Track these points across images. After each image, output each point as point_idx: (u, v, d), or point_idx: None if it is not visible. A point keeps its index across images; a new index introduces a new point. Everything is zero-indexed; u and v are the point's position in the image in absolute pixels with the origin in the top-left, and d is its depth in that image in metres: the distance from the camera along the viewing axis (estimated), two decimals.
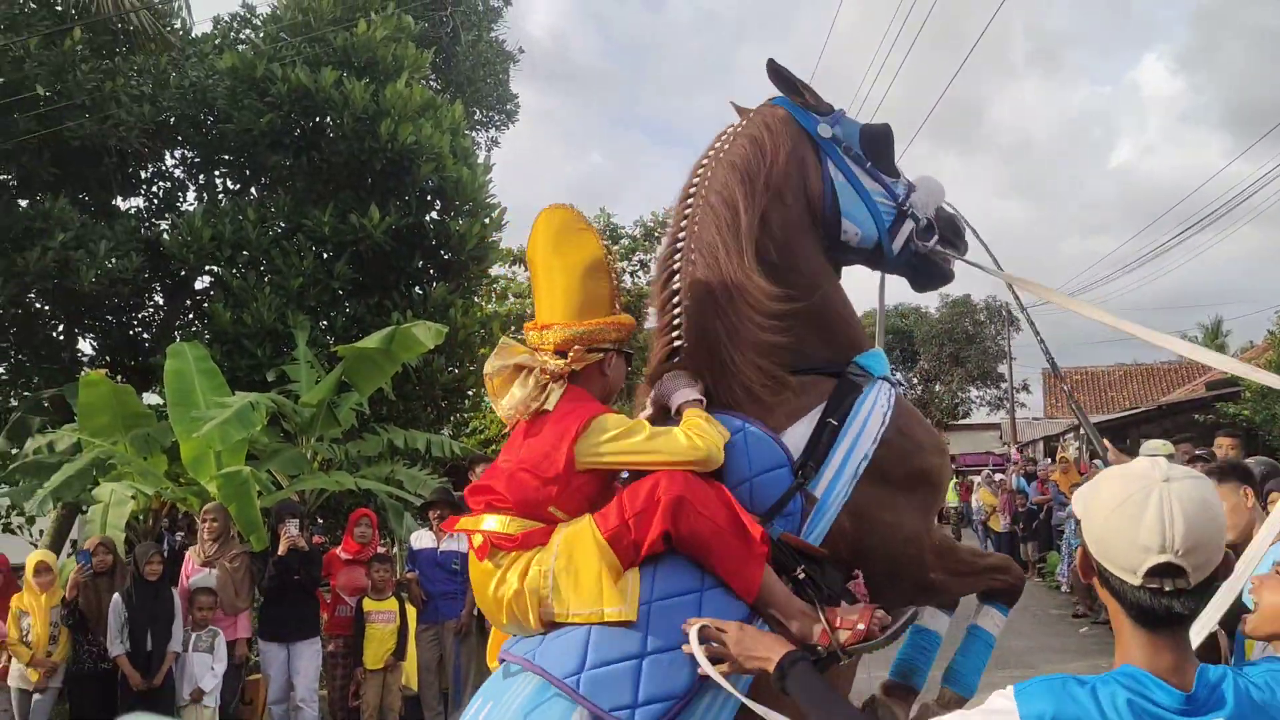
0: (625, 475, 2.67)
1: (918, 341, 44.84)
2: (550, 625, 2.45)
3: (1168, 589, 1.57)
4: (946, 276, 3.27)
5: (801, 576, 2.49)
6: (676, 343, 2.83)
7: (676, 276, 2.89)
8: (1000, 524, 17.29)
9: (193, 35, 12.84)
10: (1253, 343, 26.68)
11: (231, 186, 12.79)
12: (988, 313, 44.50)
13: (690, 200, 2.95)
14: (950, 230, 3.22)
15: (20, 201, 10.79)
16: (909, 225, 3.08)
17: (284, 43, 11.95)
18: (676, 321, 2.84)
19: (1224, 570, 1.67)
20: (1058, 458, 18.43)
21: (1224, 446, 7.86)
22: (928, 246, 3.13)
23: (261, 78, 11.23)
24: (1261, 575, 2.49)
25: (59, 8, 10.96)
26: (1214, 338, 43.05)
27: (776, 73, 3.07)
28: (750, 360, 2.73)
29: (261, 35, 12.64)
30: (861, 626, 2.39)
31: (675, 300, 2.86)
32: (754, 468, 2.60)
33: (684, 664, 2.32)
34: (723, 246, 2.80)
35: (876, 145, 3.11)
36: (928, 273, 3.22)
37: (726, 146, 2.99)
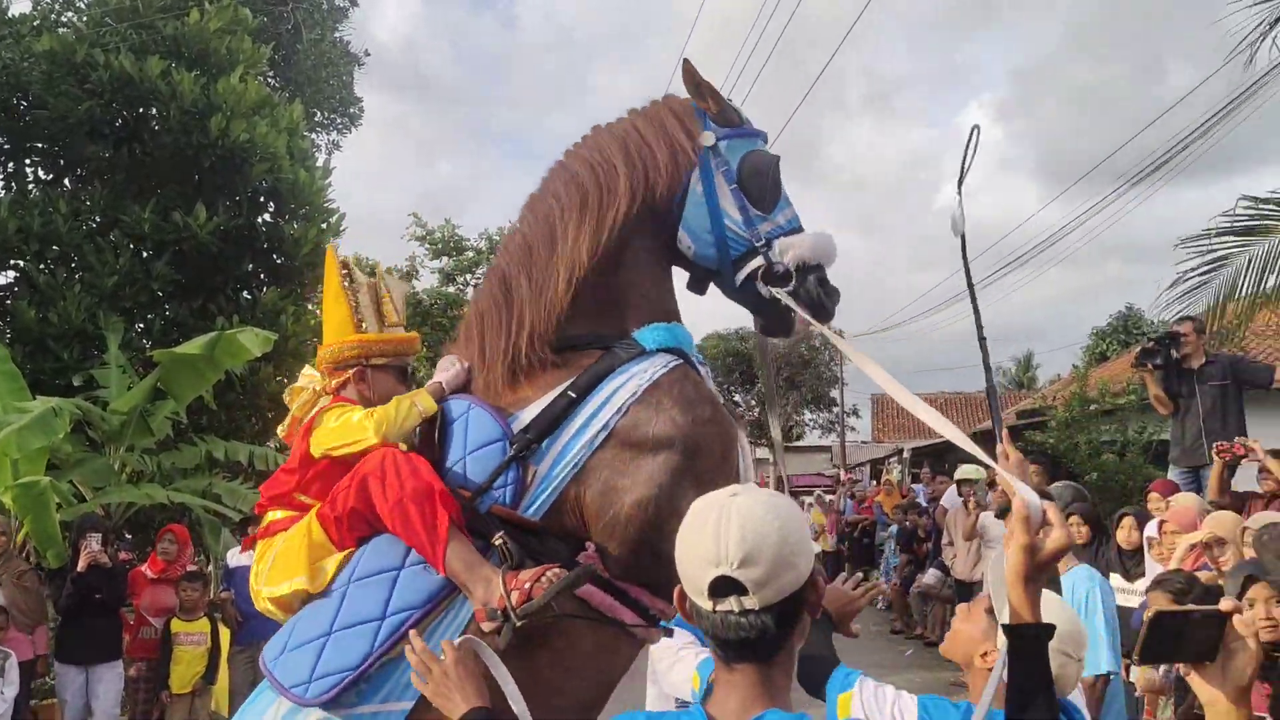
0: None
1: (756, 365, 46.05)
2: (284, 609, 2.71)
3: (734, 610, 1.53)
4: (786, 327, 3.09)
5: (498, 543, 2.51)
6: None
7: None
8: (829, 543, 17.89)
9: (8, 15, 11.98)
10: (1060, 375, 28.56)
11: (43, 176, 11.97)
12: (822, 339, 46.14)
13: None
14: (808, 299, 2.96)
15: None
16: (757, 263, 2.94)
17: (108, 28, 11.28)
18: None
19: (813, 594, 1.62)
20: (882, 480, 19.21)
21: (1031, 473, 8.34)
22: (771, 292, 2.95)
23: (82, 63, 10.57)
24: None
25: None
26: (1025, 370, 45.98)
27: (688, 74, 3.02)
28: (515, 342, 2.78)
29: (84, 19, 11.90)
30: (527, 585, 2.35)
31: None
32: (469, 445, 2.69)
33: (364, 637, 2.48)
34: (536, 239, 2.88)
35: (754, 172, 3.00)
36: (768, 316, 3.06)
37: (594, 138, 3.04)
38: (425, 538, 2.49)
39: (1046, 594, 2.00)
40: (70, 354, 10.14)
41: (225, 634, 7.48)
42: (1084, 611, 4.34)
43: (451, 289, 23.12)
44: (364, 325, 3.00)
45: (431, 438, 2.79)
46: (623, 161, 2.92)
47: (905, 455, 23.92)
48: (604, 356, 2.77)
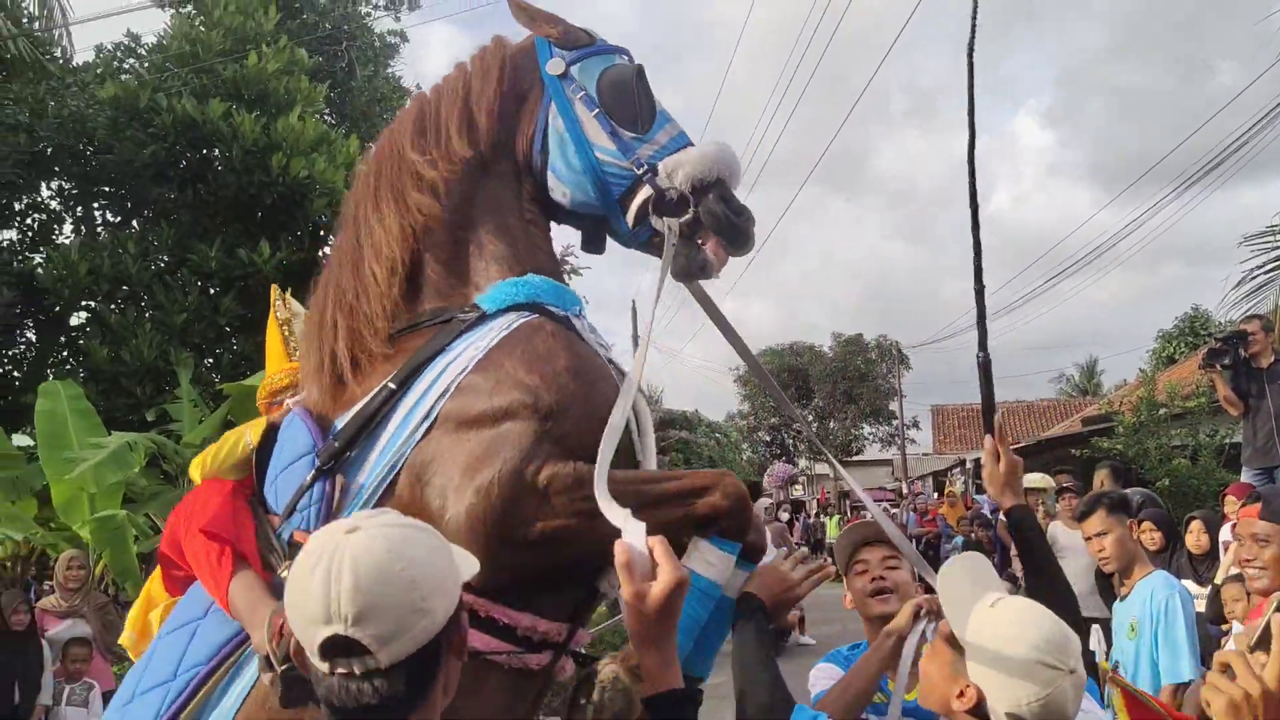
0: None
1: (813, 379, 45.78)
2: None
3: (354, 672, 1.28)
4: (701, 266, 2.48)
5: (284, 576, 2.11)
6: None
7: None
8: None
9: (74, 64, 12.43)
10: (1126, 380, 27.99)
11: (111, 219, 12.38)
12: (879, 351, 45.73)
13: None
14: (713, 219, 2.43)
15: None
16: (644, 194, 2.44)
17: (170, 73, 11.66)
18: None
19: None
20: (945, 492, 18.97)
21: (1103, 479, 8.19)
22: (665, 226, 2.43)
23: (145, 108, 10.93)
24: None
25: None
26: (1090, 376, 45.11)
27: (516, 5, 2.66)
28: (336, 340, 2.42)
29: (146, 65, 12.31)
30: (279, 623, 1.98)
31: None
32: (280, 464, 2.33)
33: (151, 705, 2.16)
34: (362, 215, 2.54)
35: (615, 88, 2.53)
36: (678, 256, 2.45)
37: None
38: (210, 576, 2.19)
39: (1015, 600, 1.84)
40: (143, 390, 10.46)
41: None
42: (1163, 619, 4.24)
43: None
44: (297, 354, 2.74)
45: (253, 461, 2.48)
46: (414, 128, 2.55)
47: (968, 466, 23.59)
48: (438, 333, 2.34)
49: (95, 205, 12.28)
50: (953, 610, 1.87)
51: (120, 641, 2.52)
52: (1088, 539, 4.53)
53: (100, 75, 12.14)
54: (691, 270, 2.48)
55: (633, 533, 1.58)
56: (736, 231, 2.45)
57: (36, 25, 11.78)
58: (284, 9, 12.67)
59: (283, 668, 1.92)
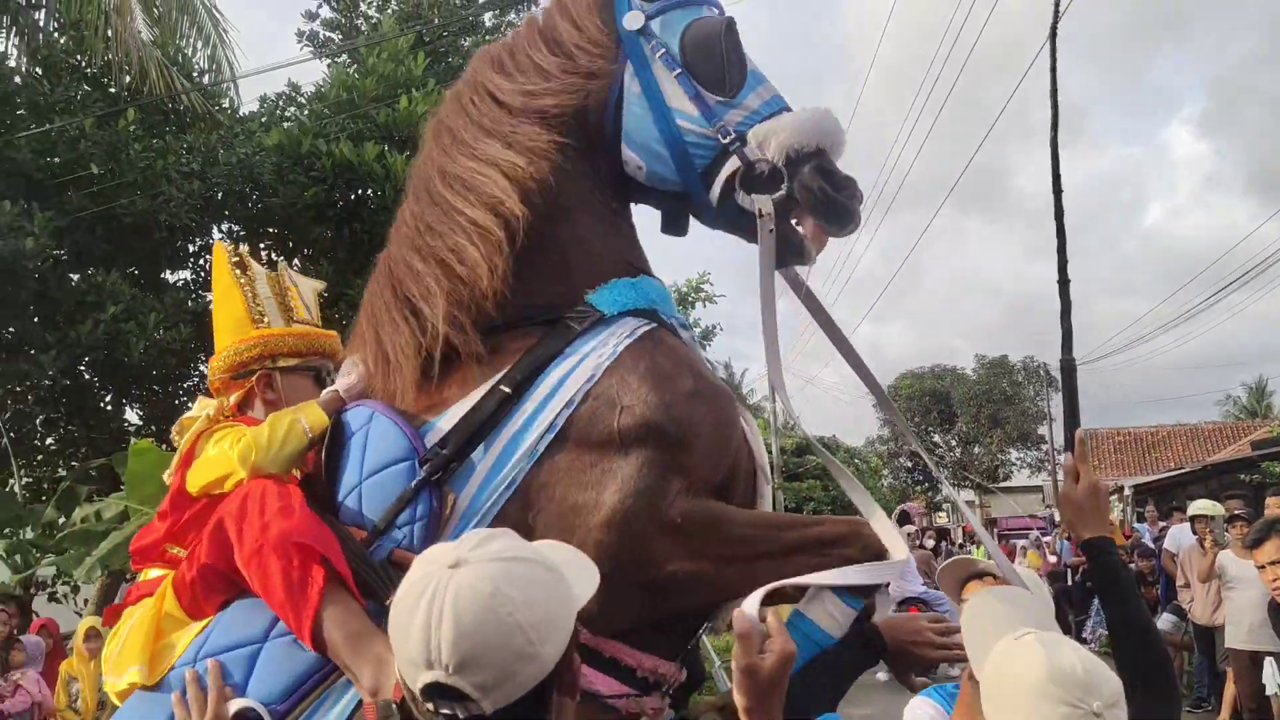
0: None
1: (955, 403, 44.59)
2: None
3: (460, 716, 1.21)
4: (797, 250, 2.21)
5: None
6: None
7: None
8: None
9: (240, 114, 13.29)
10: None
11: (275, 258, 13.08)
12: (1025, 373, 44.21)
13: None
14: (808, 194, 2.14)
15: (72, 275, 11.13)
16: (731, 166, 2.16)
17: (328, 119, 12.34)
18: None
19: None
20: None
21: (1273, 506, 7.75)
22: (755, 204, 2.15)
23: (307, 153, 11.59)
24: None
25: (113, 90, 11.44)
26: (1260, 397, 42.45)
27: None
28: (421, 327, 2.14)
29: (306, 113, 13.06)
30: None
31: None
32: (367, 469, 2.01)
33: None
34: (438, 179, 2.30)
35: (701, 46, 2.20)
36: (766, 238, 2.17)
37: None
38: (287, 599, 1.82)
39: (1043, 634, 1.66)
40: None
41: None
42: None
43: None
44: (265, 320, 2.44)
45: (322, 462, 2.14)
46: (498, 69, 2.31)
47: (1127, 493, 22.53)
48: (547, 335, 2.09)
49: (261, 245, 13.03)
50: (974, 645, 1.73)
51: (109, 680, 2.03)
52: (1260, 568, 4.34)
53: (265, 124, 12.94)
54: (785, 255, 2.19)
55: (751, 601, 1.56)
56: (838, 209, 2.12)
57: (206, 79, 12.66)
58: (431, 54, 13.26)
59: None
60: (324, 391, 2.24)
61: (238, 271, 2.50)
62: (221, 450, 2.09)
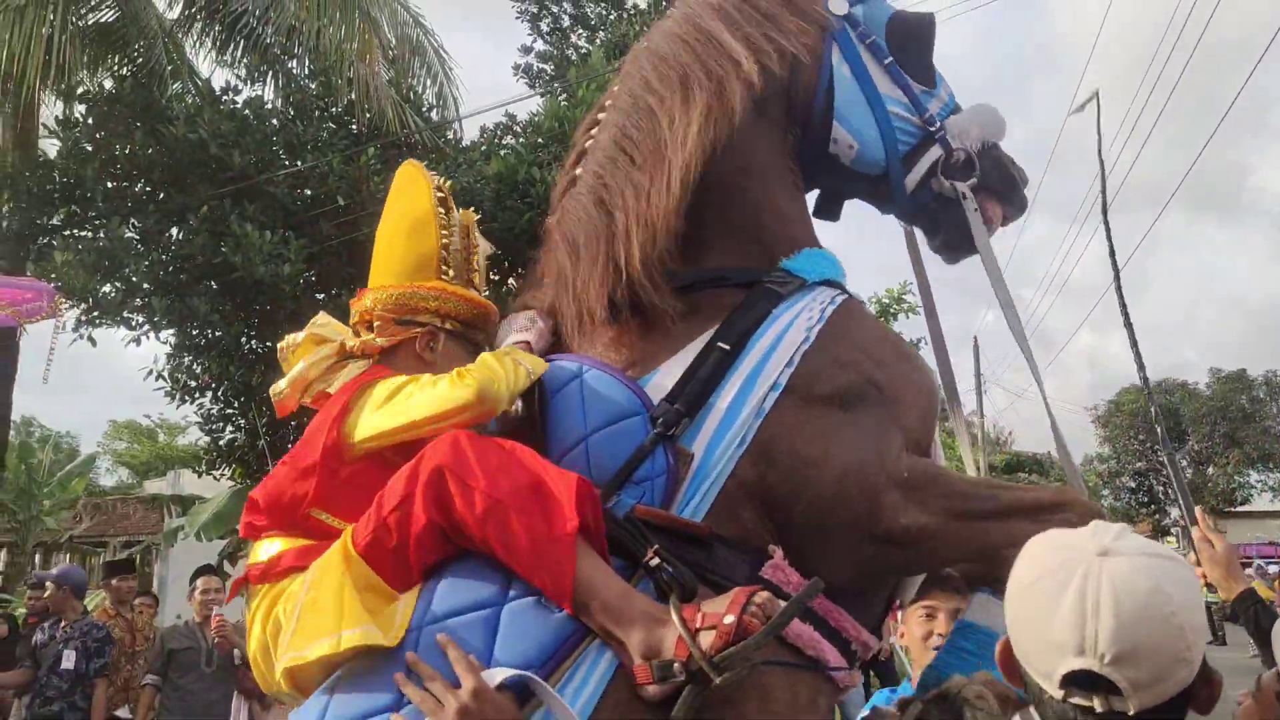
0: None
1: (1185, 420, 41.71)
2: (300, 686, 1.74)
3: (1095, 709, 1.17)
4: (967, 238, 2.37)
5: (654, 563, 1.73)
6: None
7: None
8: None
9: (463, 144, 14.37)
10: None
11: (494, 277, 14.09)
12: (1267, 388, 40.91)
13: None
14: (999, 179, 2.36)
15: (320, 296, 12.39)
16: (935, 153, 2.31)
17: (541, 148, 13.18)
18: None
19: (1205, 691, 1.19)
20: None
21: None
22: (959, 190, 2.30)
23: (523, 180, 12.44)
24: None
25: (354, 128, 12.67)
26: None
27: None
28: (625, 276, 2.05)
29: (521, 142, 13.98)
30: (730, 619, 1.59)
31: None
32: (590, 422, 1.89)
33: None
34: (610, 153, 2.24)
35: (908, 37, 2.35)
36: (954, 228, 2.34)
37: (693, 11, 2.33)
38: (536, 557, 1.65)
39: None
40: None
41: None
42: None
43: None
44: (449, 273, 2.23)
45: (535, 413, 1.97)
46: (729, 32, 2.20)
47: None
48: (753, 294, 2.08)
49: None
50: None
51: (289, 657, 1.68)
52: None
53: (484, 153, 13.95)
54: (961, 245, 2.39)
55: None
56: (1021, 195, 2.36)
57: (434, 113, 13.77)
58: None
59: (723, 677, 1.56)
60: (506, 343, 2.08)
61: (441, 210, 2.25)
62: (422, 393, 1.84)
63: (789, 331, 2.00)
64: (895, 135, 2.27)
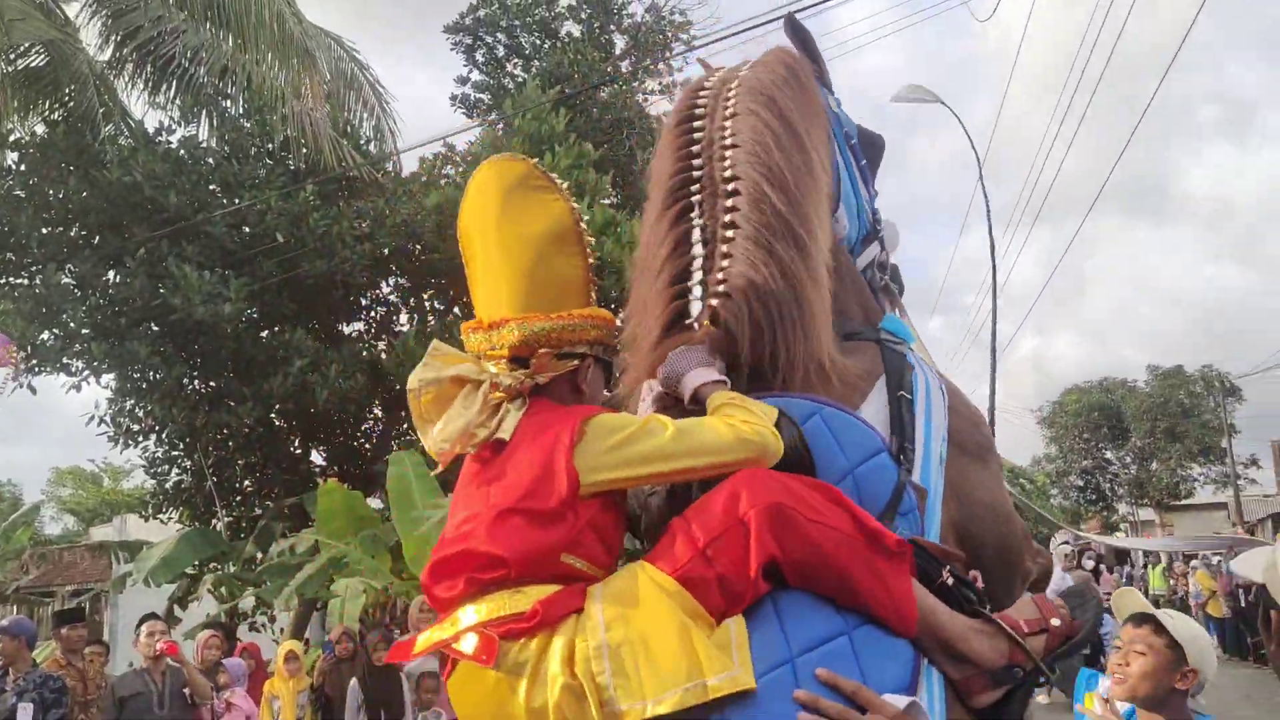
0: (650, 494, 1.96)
1: (1127, 417, 42.57)
2: None
3: None
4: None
5: (950, 583, 1.81)
6: (694, 300, 2.03)
7: (696, 214, 2.14)
8: (1221, 609, 16.29)
9: (402, 175, 14.42)
10: None
11: (439, 308, 14.14)
12: (1204, 383, 41.90)
13: (703, 111, 2.31)
14: (899, 284, 2.74)
15: (263, 334, 12.36)
16: (874, 250, 2.61)
17: None
18: (694, 269, 2.07)
19: None
20: (1278, 537, 17.23)
21: None
22: (882, 281, 2.64)
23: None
24: None
25: (292, 166, 12.67)
26: None
27: (795, 31, 2.54)
28: (824, 319, 2.05)
29: (461, 171, 14.07)
30: (1057, 622, 1.79)
31: (695, 240, 2.10)
32: (850, 457, 1.89)
33: None
34: (786, 171, 2.12)
35: (871, 149, 2.69)
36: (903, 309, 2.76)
37: (750, 73, 2.36)
38: (884, 590, 1.70)
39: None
40: None
41: None
42: None
43: None
44: (592, 297, 2.03)
45: (804, 451, 1.91)
46: (808, 102, 2.35)
47: None
48: (885, 350, 2.19)
49: (425, 297, 14.10)
50: None
51: (711, 683, 1.56)
52: None
53: (425, 184, 14.01)
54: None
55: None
56: (895, 305, 2.69)
57: (372, 146, 13.81)
58: (572, 109, 14.06)
59: (1054, 676, 1.80)
60: (711, 380, 1.91)
61: (584, 226, 2.04)
62: (724, 432, 1.76)
63: (931, 385, 2.13)
64: (863, 225, 2.53)
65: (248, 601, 11.76)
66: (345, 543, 9.96)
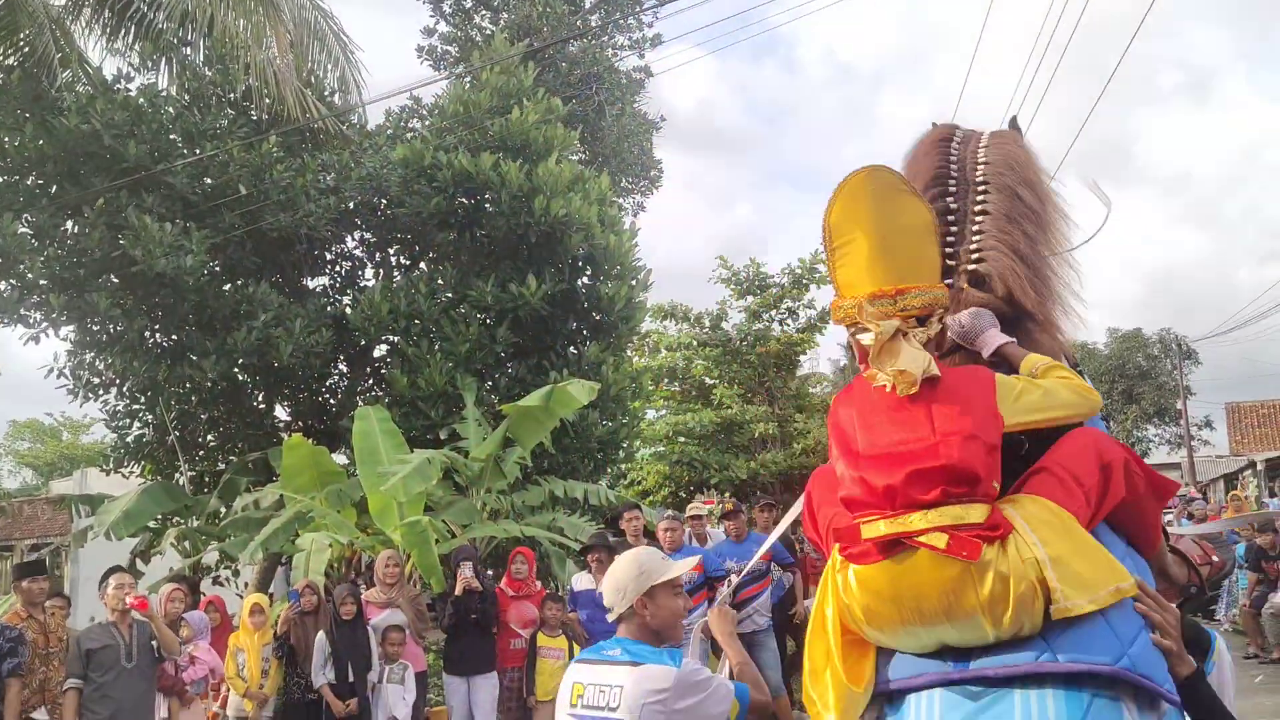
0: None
1: (1087, 378, 43.16)
2: (1044, 620, 2.13)
3: None
4: None
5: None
6: (976, 264, 2.72)
7: (952, 199, 2.88)
8: None
9: (368, 129, 14.22)
10: None
11: (405, 263, 14.03)
12: (1161, 346, 42.62)
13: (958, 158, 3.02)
14: None
15: (226, 288, 12.21)
16: None
17: (448, 132, 13.14)
18: (974, 246, 2.73)
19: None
20: (1229, 496, 17.70)
21: None
22: None
23: (429, 165, 12.39)
24: None
25: (254, 116, 12.46)
26: None
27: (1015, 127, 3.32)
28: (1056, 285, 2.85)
29: (427, 125, 13.90)
30: (1217, 559, 2.66)
31: (977, 227, 2.80)
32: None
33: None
34: (1033, 181, 2.95)
35: None
36: None
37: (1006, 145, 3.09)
38: (1156, 523, 2.50)
39: None
40: (436, 412, 11.79)
41: (576, 651, 8.49)
42: None
43: (759, 325, 23.87)
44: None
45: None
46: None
47: (1260, 468, 21.76)
48: None
49: (391, 251, 13.97)
50: None
51: (1122, 586, 2.18)
52: None
53: (391, 138, 13.83)
54: None
55: None
56: None
57: (336, 98, 13.60)
58: (540, 64, 13.92)
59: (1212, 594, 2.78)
60: (1008, 340, 2.59)
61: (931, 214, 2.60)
62: (1077, 390, 2.45)
63: None
64: None
65: (211, 556, 11.75)
66: (310, 497, 9.95)
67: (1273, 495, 17.26)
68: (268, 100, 11.68)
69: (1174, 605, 2.29)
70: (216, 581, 12.72)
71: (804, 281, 23.45)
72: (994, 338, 2.56)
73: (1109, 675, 2.04)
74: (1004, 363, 2.55)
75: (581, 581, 8.86)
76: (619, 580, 2.89)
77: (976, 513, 2.15)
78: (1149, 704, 2.08)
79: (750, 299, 24.39)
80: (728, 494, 18.93)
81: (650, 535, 9.03)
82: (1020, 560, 2.11)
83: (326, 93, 13.48)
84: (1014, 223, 2.73)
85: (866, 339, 2.43)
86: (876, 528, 2.22)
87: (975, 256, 2.69)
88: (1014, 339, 2.57)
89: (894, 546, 2.19)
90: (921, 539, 2.14)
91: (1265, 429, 35.26)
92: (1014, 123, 3.31)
